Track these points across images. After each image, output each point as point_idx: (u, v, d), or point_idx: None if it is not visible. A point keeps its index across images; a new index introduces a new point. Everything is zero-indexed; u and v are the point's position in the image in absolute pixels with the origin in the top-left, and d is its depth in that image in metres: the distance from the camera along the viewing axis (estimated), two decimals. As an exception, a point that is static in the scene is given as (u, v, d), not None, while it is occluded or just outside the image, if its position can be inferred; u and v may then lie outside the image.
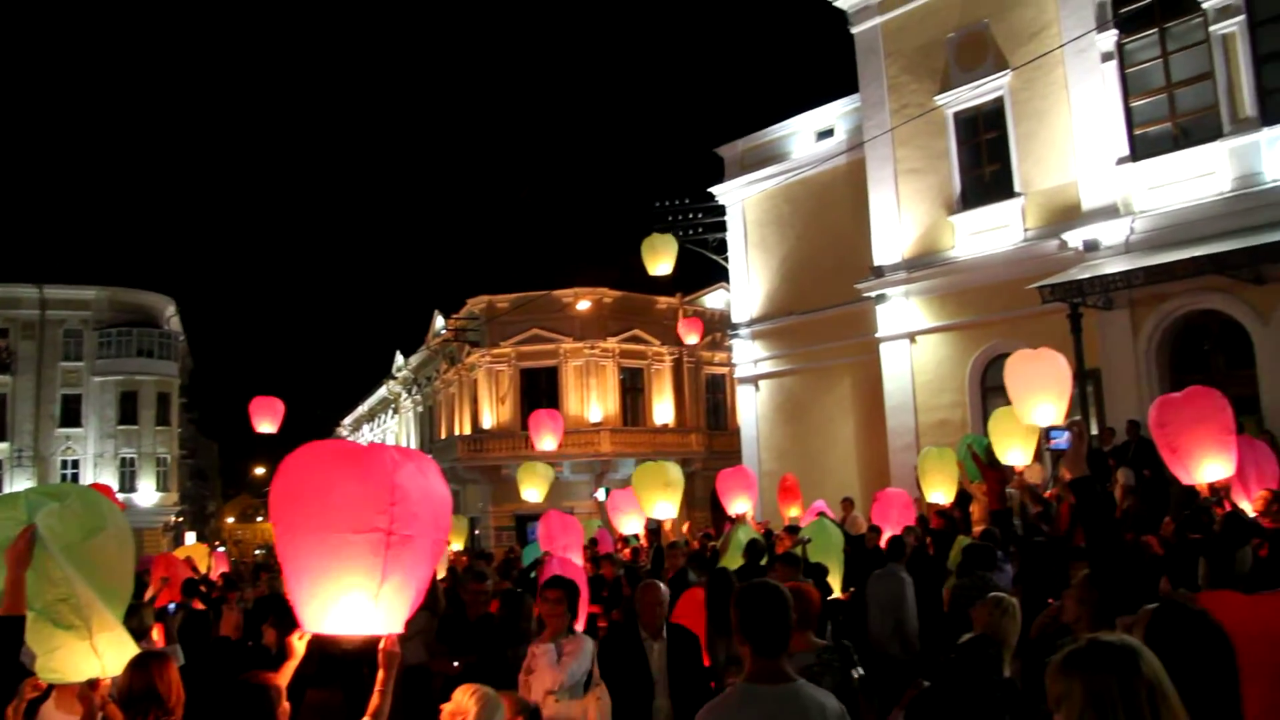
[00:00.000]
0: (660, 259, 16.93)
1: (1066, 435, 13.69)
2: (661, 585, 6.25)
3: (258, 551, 73.73)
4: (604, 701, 5.78)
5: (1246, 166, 14.94)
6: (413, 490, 3.67)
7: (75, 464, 49.24)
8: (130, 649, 4.00)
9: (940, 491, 12.81)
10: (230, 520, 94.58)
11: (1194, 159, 15.54)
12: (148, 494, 50.32)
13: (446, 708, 4.05)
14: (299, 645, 4.05)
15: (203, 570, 16.35)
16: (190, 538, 52.41)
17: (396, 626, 3.75)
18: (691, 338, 26.22)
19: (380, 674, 3.81)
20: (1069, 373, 10.05)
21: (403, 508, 3.60)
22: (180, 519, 57.59)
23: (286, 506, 3.70)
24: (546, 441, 17.88)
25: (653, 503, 13.38)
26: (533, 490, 17.11)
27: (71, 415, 49.63)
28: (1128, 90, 16.47)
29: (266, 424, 18.82)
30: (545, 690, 5.71)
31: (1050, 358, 10.07)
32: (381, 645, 3.80)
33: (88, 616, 3.80)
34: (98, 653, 3.85)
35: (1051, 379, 9.85)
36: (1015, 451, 11.31)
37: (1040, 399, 9.86)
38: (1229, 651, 2.95)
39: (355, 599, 3.58)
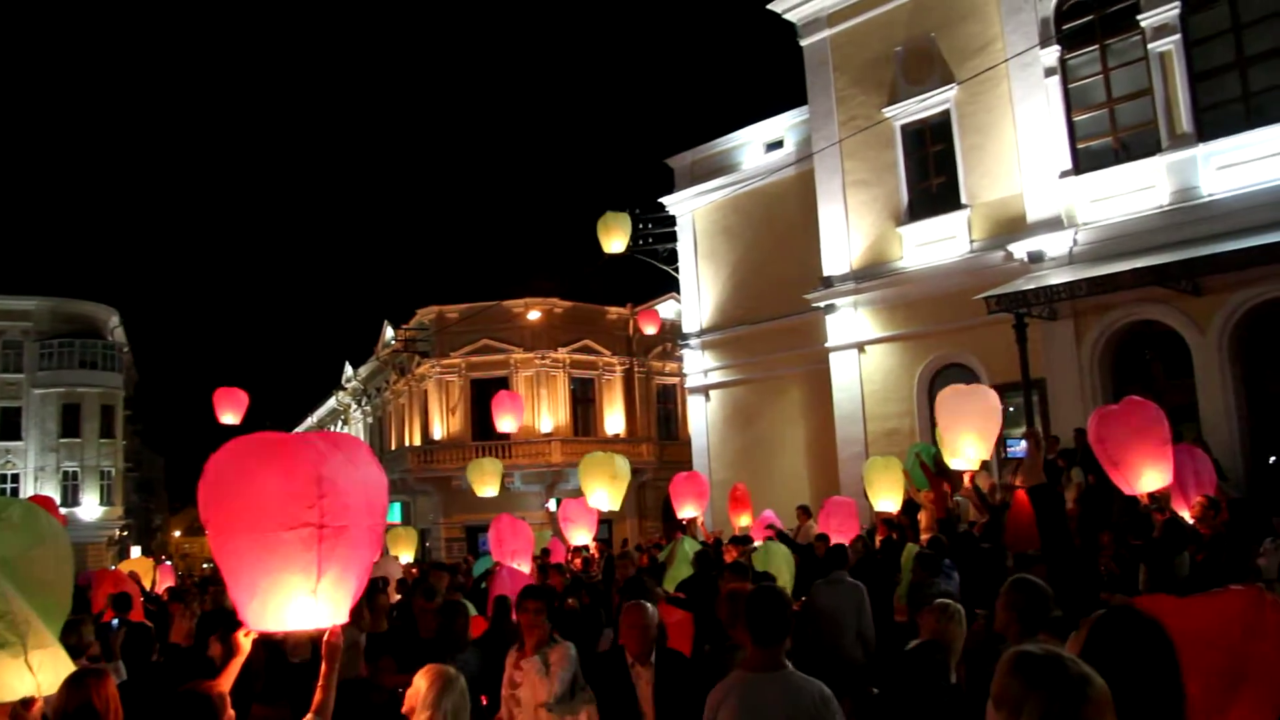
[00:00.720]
0: (614, 236, 16.94)
1: (1023, 444, 13.97)
2: (648, 606, 5.66)
3: (205, 565, 72.51)
4: (595, 707, 5.65)
5: (1184, 181, 15.28)
6: (341, 480, 3.63)
7: (15, 478, 48.18)
8: (67, 666, 3.91)
9: (887, 500, 12.94)
10: (177, 534, 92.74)
11: (1134, 173, 15.87)
12: (91, 508, 49.36)
13: (408, 692, 4.06)
14: (245, 642, 4.00)
15: (147, 585, 16.05)
16: (135, 552, 51.52)
17: (340, 618, 3.73)
18: (650, 328, 26.29)
19: (323, 667, 3.78)
20: (999, 409, 10.21)
21: (332, 499, 3.57)
22: (125, 533, 56.53)
23: (216, 507, 3.66)
24: (506, 423, 17.85)
25: (594, 491, 13.51)
26: (487, 488, 17.09)
27: (11, 428, 48.58)
28: (1070, 105, 16.79)
29: (230, 415, 18.67)
30: (538, 703, 5.60)
31: (981, 394, 10.24)
32: (325, 637, 3.77)
33: (24, 633, 3.71)
34: (33, 670, 3.75)
35: (981, 415, 10.02)
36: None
37: (968, 435, 10.06)
38: (1173, 657, 3.00)
39: (295, 595, 3.55)
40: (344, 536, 3.60)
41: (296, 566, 3.52)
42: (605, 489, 13.47)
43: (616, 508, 14.18)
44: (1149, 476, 8.69)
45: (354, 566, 3.71)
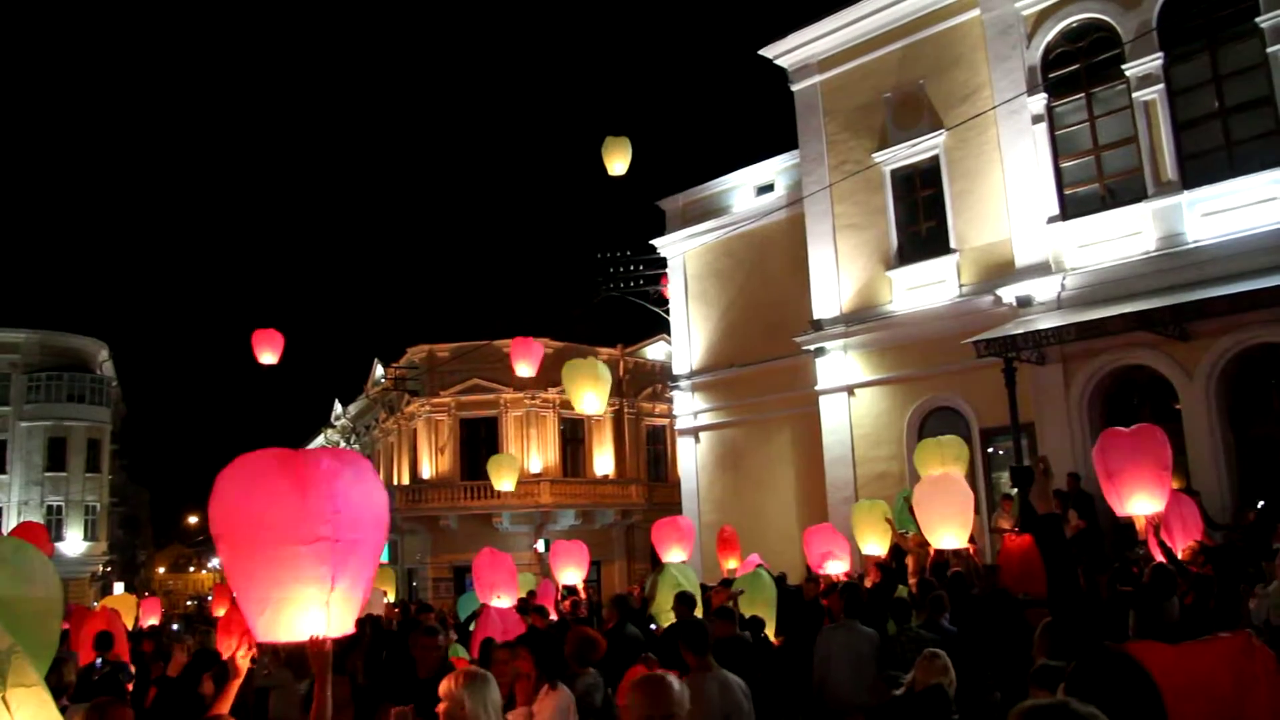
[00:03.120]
0: (616, 158, 17.10)
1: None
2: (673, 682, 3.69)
3: (189, 602, 71.79)
4: None
5: (1169, 227, 15.43)
6: (352, 496, 3.76)
7: (-1, 511, 47.77)
8: (48, 706, 3.86)
9: (874, 544, 12.97)
10: (161, 570, 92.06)
11: (1120, 219, 16.02)
12: (75, 543, 48.87)
13: (440, 688, 4.08)
14: (243, 663, 4.00)
15: (129, 623, 15.82)
16: (119, 588, 50.93)
17: (348, 627, 3.84)
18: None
19: (316, 677, 3.81)
20: (970, 496, 10.94)
21: (345, 515, 3.69)
22: (109, 569, 55.96)
23: (228, 522, 3.74)
24: (523, 368, 17.99)
25: (581, 395, 14.05)
26: (504, 481, 17.43)
27: (-5, 461, 48.20)
28: (1057, 151, 16.96)
29: (268, 355, 18.88)
30: None
31: (953, 482, 10.87)
32: (309, 648, 3.79)
33: (3, 670, 3.67)
34: (9, 708, 3.71)
35: (956, 503, 10.64)
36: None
37: (947, 525, 10.57)
38: (1158, 700, 2.99)
39: (308, 606, 3.66)
40: (356, 550, 3.74)
41: (311, 579, 3.62)
42: (592, 390, 14.07)
43: (602, 410, 15.08)
44: (1141, 498, 8.80)
45: (362, 578, 3.84)
